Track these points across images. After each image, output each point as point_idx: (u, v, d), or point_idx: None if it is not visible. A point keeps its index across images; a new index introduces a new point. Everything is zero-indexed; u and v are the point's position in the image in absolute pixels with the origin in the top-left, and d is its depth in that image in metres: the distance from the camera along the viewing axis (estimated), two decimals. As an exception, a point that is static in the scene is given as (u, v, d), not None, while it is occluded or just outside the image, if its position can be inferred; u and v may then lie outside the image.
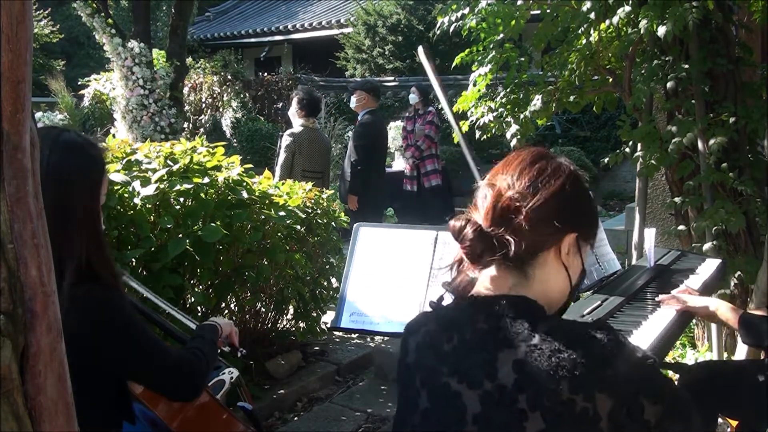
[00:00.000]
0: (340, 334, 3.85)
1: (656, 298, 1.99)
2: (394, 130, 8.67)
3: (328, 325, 3.28)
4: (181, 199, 2.77)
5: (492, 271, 1.01)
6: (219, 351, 1.76)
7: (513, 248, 0.96)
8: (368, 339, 3.88)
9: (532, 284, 0.99)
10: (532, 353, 0.90)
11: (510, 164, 1.04)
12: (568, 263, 1.01)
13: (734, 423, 2.17)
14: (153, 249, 2.64)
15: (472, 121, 3.54)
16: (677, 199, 3.12)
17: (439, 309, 1.09)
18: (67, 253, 1.28)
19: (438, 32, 3.49)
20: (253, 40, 15.18)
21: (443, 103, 1.63)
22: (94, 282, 1.35)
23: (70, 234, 1.30)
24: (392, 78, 11.92)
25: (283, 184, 3.40)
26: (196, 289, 2.89)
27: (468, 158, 1.69)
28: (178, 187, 2.65)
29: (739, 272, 2.93)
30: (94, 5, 7.56)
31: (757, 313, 1.90)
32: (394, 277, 2.02)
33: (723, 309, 1.89)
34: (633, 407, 0.88)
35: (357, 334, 3.77)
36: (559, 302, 1.04)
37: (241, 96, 11.74)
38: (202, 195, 2.75)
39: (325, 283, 3.64)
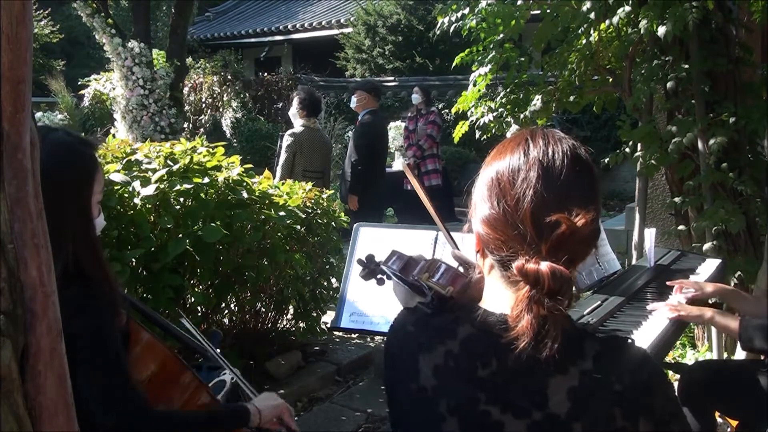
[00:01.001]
0: (340, 334, 3.85)
1: (648, 307, 1.97)
2: (394, 130, 8.68)
3: (328, 325, 3.29)
4: (181, 199, 2.77)
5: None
6: None
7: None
8: (368, 339, 3.88)
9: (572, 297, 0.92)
10: (586, 379, 0.85)
11: (552, 171, 0.89)
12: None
13: (734, 423, 2.18)
14: (153, 249, 2.64)
15: (472, 121, 3.54)
16: (677, 199, 3.12)
17: (444, 318, 0.97)
18: (54, 254, 1.26)
19: (438, 32, 3.49)
20: (253, 40, 15.18)
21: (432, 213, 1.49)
22: (81, 285, 1.32)
23: (56, 234, 1.28)
24: (392, 78, 11.92)
25: (283, 184, 3.40)
26: (196, 289, 2.89)
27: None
28: (178, 187, 2.65)
29: (739, 272, 2.93)
30: (94, 5, 7.56)
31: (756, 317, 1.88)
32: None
33: (718, 318, 1.88)
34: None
35: (357, 334, 3.76)
36: None
37: (241, 96, 11.74)
38: (202, 195, 2.75)
39: (325, 283, 3.64)
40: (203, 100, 11.90)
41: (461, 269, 1.12)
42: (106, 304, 1.37)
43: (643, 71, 2.98)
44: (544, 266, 0.84)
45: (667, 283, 2.07)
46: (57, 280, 1.24)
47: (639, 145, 3.17)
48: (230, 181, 2.91)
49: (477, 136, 3.56)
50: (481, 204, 0.94)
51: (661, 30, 2.62)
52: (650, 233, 2.54)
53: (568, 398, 0.85)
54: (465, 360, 0.91)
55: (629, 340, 0.94)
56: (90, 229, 1.40)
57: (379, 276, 1.31)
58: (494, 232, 0.90)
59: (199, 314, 2.96)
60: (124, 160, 2.76)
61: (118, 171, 2.64)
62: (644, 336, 1.74)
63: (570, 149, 0.92)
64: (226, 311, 3.23)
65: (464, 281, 1.02)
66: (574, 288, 0.89)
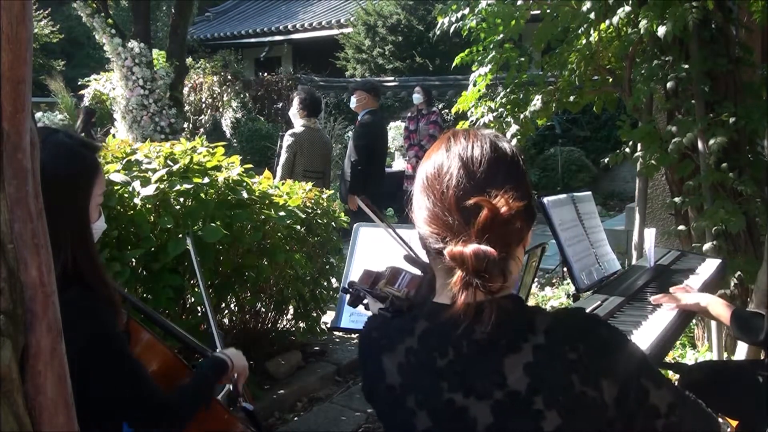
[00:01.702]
0: (340, 334, 3.85)
1: (651, 299, 1.99)
2: (394, 130, 8.68)
3: (328, 325, 3.28)
4: (181, 199, 2.77)
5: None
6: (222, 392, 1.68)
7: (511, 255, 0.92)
8: (368, 339, 3.88)
9: (512, 277, 0.96)
10: (540, 353, 0.89)
11: (472, 162, 0.94)
12: (527, 243, 0.99)
13: (734, 423, 2.17)
14: (153, 249, 2.64)
15: (472, 121, 3.54)
16: (677, 199, 3.12)
17: (402, 319, 1.02)
18: (53, 255, 1.26)
19: (438, 32, 3.49)
20: (253, 40, 15.18)
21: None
22: (81, 286, 1.32)
23: (55, 236, 1.28)
24: (392, 78, 11.93)
25: (283, 184, 3.40)
26: (196, 289, 2.89)
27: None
28: (178, 187, 2.65)
29: (739, 272, 2.93)
30: (94, 5, 7.56)
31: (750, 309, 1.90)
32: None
33: (714, 305, 1.89)
34: (637, 391, 0.89)
35: (357, 334, 3.76)
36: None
37: (241, 96, 11.75)
38: (202, 195, 2.75)
39: (325, 283, 3.63)
40: (203, 100, 11.90)
41: (417, 271, 1.18)
42: (107, 305, 1.37)
43: (643, 71, 2.98)
44: (469, 248, 0.88)
45: (654, 299, 2.07)
46: (56, 281, 1.24)
47: (639, 145, 3.17)
48: (230, 181, 2.91)
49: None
50: (416, 204, 1.00)
51: (661, 30, 2.62)
52: (650, 233, 2.54)
53: (525, 374, 0.88)
54: (424, 353, 0.96)
55: (580, 309, 0.98)
56: (88, 230, 1.39)
57: (365, 301, 1.38)
58: (429, 226, 0.95)
59: (199, 314, 2.96)
60: (124, 160, 2.76)
61: (118, 171, 2.64)
62: (644, 336, 1.74)
63: (490, 140, 0.98)
64: (226, 311, 3.23)
65: (418, 281, 1.06)
66: (513, 270, 0.93)
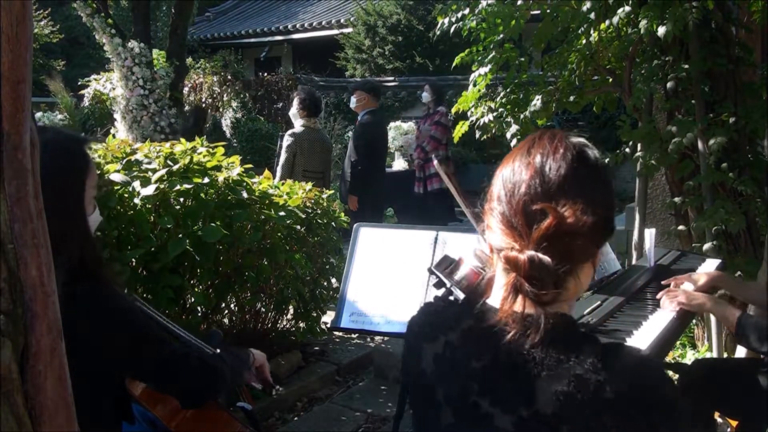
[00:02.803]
0: (340, 334, 3.85)
1: (657, 296, 1.98)
2: (394, 130, 8.67)
3: (328, 325, 3.28)
4: (181, 199, 2.77)
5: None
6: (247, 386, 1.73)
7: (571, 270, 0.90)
8: (368, 339, 3.88)
9: (568, 294, 0.92)
10: (578, 383, 0.84)
11: (549, 168, 0.91)
12: (598, 262, 0.97)
13: (734, 423, 2.18)
14: (153, 249, 2.64)
15: (472, 121, 3.54)
16: (677, 199, 3.12)
17: (452, 311, 1.02)
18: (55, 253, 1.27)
19: (438, 32, 3.49)
20: (253, 40, 15.18)
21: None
22: (92, 280, 1.34)
23: (57, 233, 1.29)
24: (392, 78, 11.92)
25: (283, 184, 3.40)
26: (196, 289, 2.89)
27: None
28: (178, 187, 2.65)
29: (739, 272, 2.93)
30: (94, 5, 7.55)
31: (753, 311, 1.89)
32: (394, 277, 2.02)
33: (719, 309, 1.88)
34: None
35: (357, 334, 3.76)
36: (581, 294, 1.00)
37: (241, 96, 11.74)
38: (202, 195, 2.75)
39: (325, 283, 3.63)
40: (203, 100, 11.90)
41: (480, 267, 1.18)
42: (124, 294, 1.42)
43: (643, 71, 2.98)
44: (526, 254, 0.87)
45: (662, 282, 2.08)
46: (63, 276, 1.26)
47: (639, 145, 3.17)
48: (230, 181, 2.91)
49: (477, 136, 3.56)
50: (488, 203, 0.98)
51: (661, 30, 2.62)
52: (650, 233, 2.54)
53: (556, 400, 0.85)
54: (462, 351, 0.95)
55: (629, 346, 0.94)
56: (86, 225, 1.40)
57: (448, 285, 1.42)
58: (497, 227, 0.94)
59: (199, 314, 2.96)
60: (124, 160, 2.76)
61: (118, 171, 2.64)
62: (644, 336, 1.74)
63: (574, 148, 0.94)
64: (226, 311, 3.23)
65: (479, 278, 1.06)
66: (572, 287, 0.90)
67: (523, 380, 0.88)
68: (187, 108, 10.00)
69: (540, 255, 0.86)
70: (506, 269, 0.92)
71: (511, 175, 0.94)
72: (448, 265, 1.30)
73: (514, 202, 0.92)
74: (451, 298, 1.14)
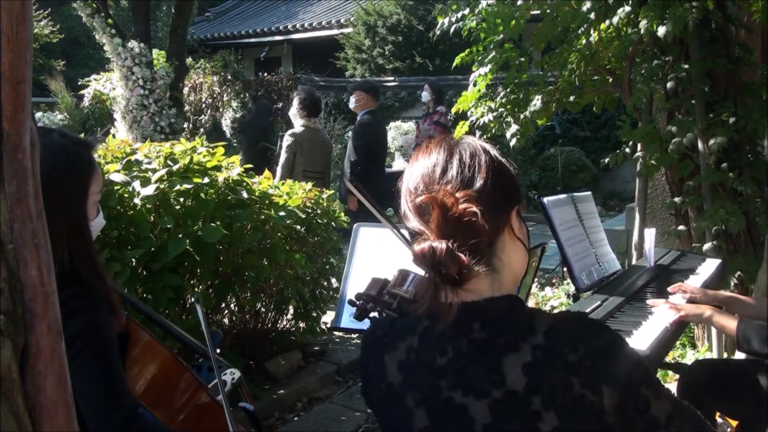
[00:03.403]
0: (340, 334, 3.85)
1: (647, 302, 1.97)
2: (394, 130, 8.68)
3: (328, 325, 3.28)
4: (181, 199, 2.77)
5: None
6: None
7: (483, 251, 0.94)
8: (368, 339, 3.87)
9: (503, 273, 0.98)
10: (539, 353, 0.89)
11: (425, 166, 1.00)
12: (521, 235, 1.01)
13: (734, 423, 2.17)
14: (153, 249, 2.64)
15: (472, 121, 3.54)
16: (677, 199, 3.12)
17: (405, 318, 1.03)
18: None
19: (438, 32, 3.49)
20: (253, 40, 15.18)
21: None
22: (80, 285, 1.32)
23: (52, 235, 1.27)
24: (392, 78, 11.92)
25: (283, 184, 3.40)
26: (196, 289, 2.89)
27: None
28: (178, 187, 2.65)
29: (739, 272, 2.93)
30: (94, 5, 7.55)
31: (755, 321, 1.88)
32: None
33: (717, 317, 1.88)
34: (638, 401, 0.89)
35: (357, 334, 3.76)
36: (522, 273, 1.03)
37: (241, 96, 11.73)
38: (202, 195, 2.75)
39: (325, 283, 3.64)
40: (203, 100, 11.89)
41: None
42: (105, 306, 1.37)
43: (643, 71, 2.98)
44: (418, 246, 0.94)
45: (669, 289, 2.08)
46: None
47: (639, 145, 3.17)
48: (230, 181, 2.91)
49: (477, 136, 3.55)
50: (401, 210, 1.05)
51: (661, 30, 2.62)
52: (650, 233, 2.55)
53: (524, 374, 0.89)
54: (424, 352, 0.97)
55: (582, 313, 0.99)
56: (84, 231, 1.39)
57: (371, 315, 1.33)
58: (411, 228, 1.00)
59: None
60: (124, 160, 2.76)
61: (118, 171, 2.64)
62: (644, 336, 1.74)
63: (449, 144, 1.01)
64: (226, 311, 3.23)
65: (426, 282, 1.07)
66: (500, 269, 0.96)
67: (489, 363, 0.91)
68: (249, 103, 10.05)
69: (435, 243, 0.92)
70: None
71: (408, 177, 1.02)
72: (383, 286, 1.20)
73: (410, 200, 0.99)
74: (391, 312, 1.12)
